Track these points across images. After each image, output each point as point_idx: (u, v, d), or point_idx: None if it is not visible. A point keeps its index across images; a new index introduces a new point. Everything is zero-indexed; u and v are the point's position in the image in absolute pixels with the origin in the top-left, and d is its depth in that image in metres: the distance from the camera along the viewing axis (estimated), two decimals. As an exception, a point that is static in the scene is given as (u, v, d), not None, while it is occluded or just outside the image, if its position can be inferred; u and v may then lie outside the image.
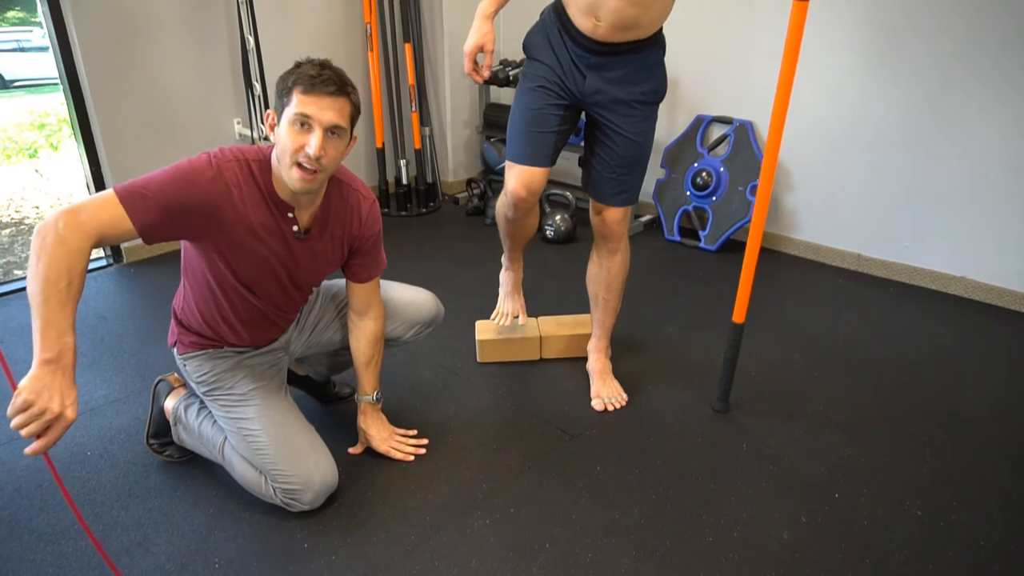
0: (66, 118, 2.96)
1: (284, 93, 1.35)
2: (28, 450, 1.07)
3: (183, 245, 1.56)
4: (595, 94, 1.79)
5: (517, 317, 2.23)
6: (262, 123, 3.14)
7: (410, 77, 3.59)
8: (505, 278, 2.30)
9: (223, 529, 1.59)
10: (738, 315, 1.90)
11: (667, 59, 3.26)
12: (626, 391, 2.10)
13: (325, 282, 1.87)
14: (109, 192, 1.28)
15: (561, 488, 1.71)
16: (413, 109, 3.65)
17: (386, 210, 3.71)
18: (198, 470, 1.78)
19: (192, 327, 1.65)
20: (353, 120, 1.43)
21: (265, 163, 1.44)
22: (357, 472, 1.77)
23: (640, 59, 1.78)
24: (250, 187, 1.42)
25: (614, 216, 1.95)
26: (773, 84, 2.96)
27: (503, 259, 2.30)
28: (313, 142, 1.33)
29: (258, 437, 1.58)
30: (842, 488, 1.70)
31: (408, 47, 3.55)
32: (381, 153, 3.67)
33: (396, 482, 1.74)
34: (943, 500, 1.66)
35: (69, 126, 2.91)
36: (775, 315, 2.57)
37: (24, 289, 2.74)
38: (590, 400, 2.06)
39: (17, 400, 1.06)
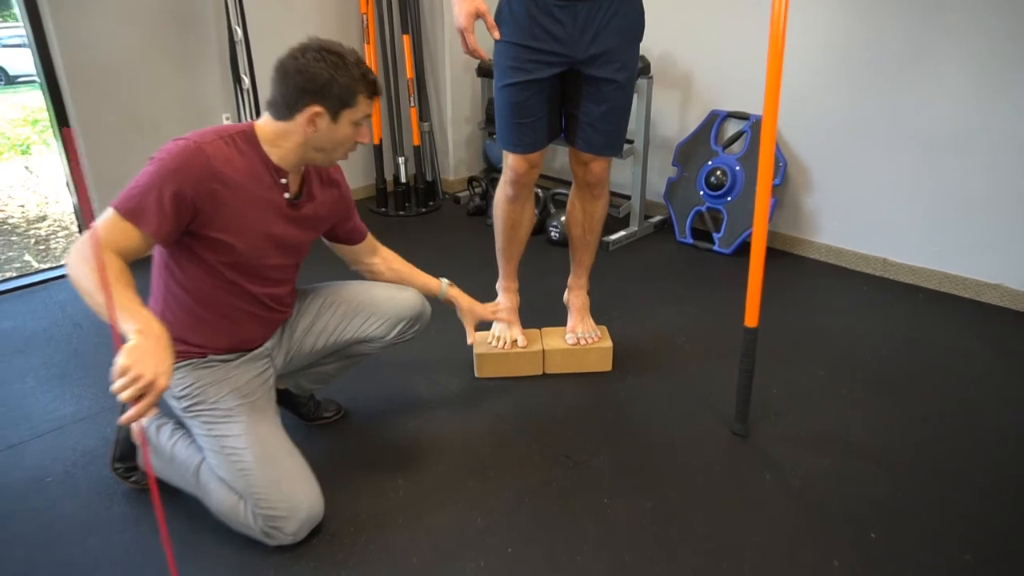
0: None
1: (348, 98, 1.41)
2: (123, 418, 1.10)
3: (160, 250, 1.47)
4: (589, 47, 1.75)
5: (516, 341, 2.08)
6: (251, 118, 2.99)
7: (408, 70, 3.42)
8: (502, 302, 2.15)
9: (189, 568, 1.43)
10: (750, 319, 1.73)
11: (679, 51, 3.12)
12: (637, 411, 1.94)
13: (299, 287, 1.73)
14: (110, 211, 1.31)
15: (565, 525, 1.55)
16: (412, 104, 3.48)
17: (383, 209, 3.55)
18: (166, 499, 1.61)
19: (174, 335, 1.49)
20: None
21: (250, 135, 1.44)
22: (340, 504, 1.60)
23: None
24: (242, 159, 1.41)
25: (601, 165, 1.94)
26: (791, 78, 2.81)
27: (498, 284, 2.17)
28: (367, 133, 1.50)
29: (243, 456, 1.45)
30: (878, 527, 1.53)
31: (406, 39, 3.38)
32: (379, 150, 3.50)
33: (382, 515, 1.57)
34: (997, 546, 1.48)
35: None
36: (796, 325, 2.39)
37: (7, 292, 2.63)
38: (595, 418, 1.89)
39: (115, 365, 1.09)
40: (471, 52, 1.75)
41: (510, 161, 1.92)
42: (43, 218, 3.84)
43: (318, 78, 1.38)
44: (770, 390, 2.01)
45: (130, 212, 1.30)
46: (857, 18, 2.54)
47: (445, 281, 1.87)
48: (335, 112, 1.41)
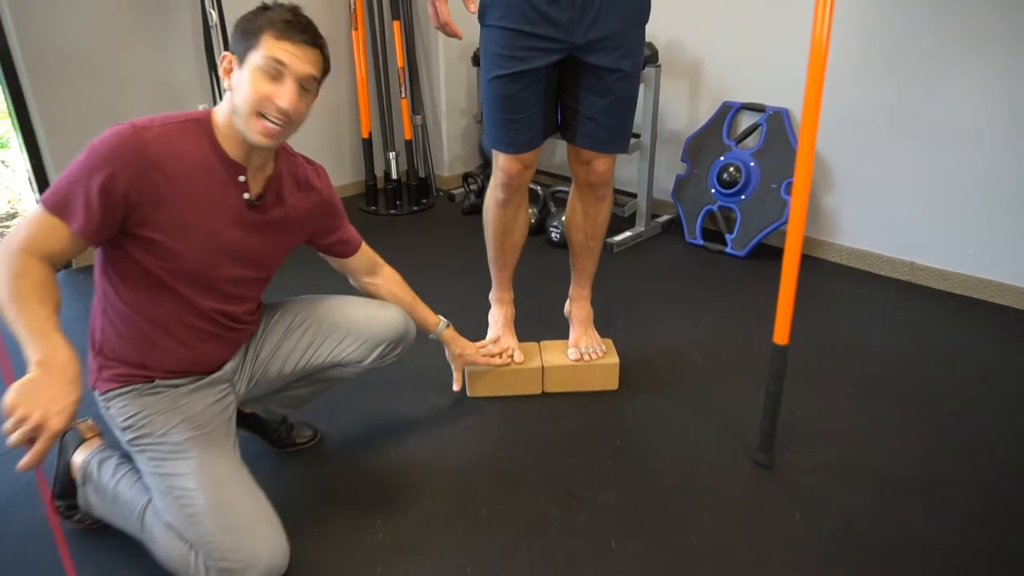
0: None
1: (250, 35, 1.20)
2: (19, 465, 0.96)
3: (99, 253, 1.27)
4: (588, 32, 1.54)
5: (513, 356, 1.88)
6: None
7: (399, 59, 3.20)
8: (495, 314, 1.95)
9: (128, 635, 1.24)
10: (780, 335, 1.53)
11: (689, 38, 2.91)
12: (647, 437, 1.74)
13: (266, 301, 1.53)
14: (37, 207, 1.15)
15: (566, 571, 1.35)
16: (403, 95, 3.26)
17: (373, 208, 3.34)
18: (112, 542, 1.41)
19: (115, 355, 1.32)
20: (323, 76, 1.28)
21: (203, 122, 1.24)
22: (308, 550, 1.40)
23: None
24: (191, 150, 1.21)
25: (605, 164, 1.73)
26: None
27: (492, 294, 1.98)
28: (284, 94, 1.19)
29: (193, 499, 1.24)
30: (928, 579, 1.33)
31: (397, 25, 3.16)
32: (368, 144, 3.29)
33: (357, 564, 1.37)
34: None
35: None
36: (819, 336, 2.18)
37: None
38: (601, 444, 1.69)
39: (3, 403, 0.97)
40: (441, 26, 1.53)
41: (500, 162, 1.71)
42: (13, 215, 3.63)
43: (238, 25, 1.22)
44: (794, 412, 1.80)
45: (56, 205, 1.13)
46: (885, 3, 2.33)
47: (444, 321, 1.73)
48: (242, 56, 1.20)
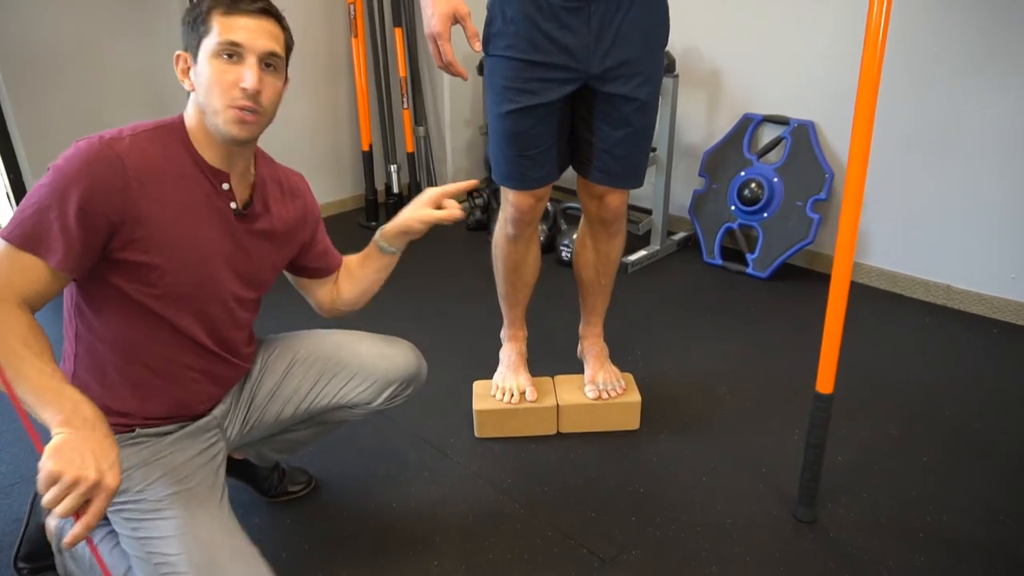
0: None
1: (198, 22, 1.07)
2: (67, 539, 0.85)
3: (69, 292, 1.14)
4: (604, 59, 1.41)
5: (524, 393, 1.72)
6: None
7: (401, 68, 3.06)
8: (507, 352, 1.80)
9: None
10: (824, 383, 1.37)
11: (707, 46, 2.76)
12: (673, 485, 1.58)
13: (262, 337, 1.38)
14: (1, 244, 1.01)
15: (591, 655, 1.19)
16: (405, 105, 3.12)
17: (373, 224, 3.19)
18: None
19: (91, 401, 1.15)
20: (288, 53, 1.15)
21: (176, 128, 1.12)
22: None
23: None
24: (168, 159, 1.09)
25: (620, 199, 1.62)
26: (840, 76, 2.45)
27: (503, 331, 1.84)
28: (248, 75, 1.06)
29: (175, 567, 1.08)
30: (1005, 664, 1.17)
31: (399, 32, 3.02)
32: (368, 157, 3.14)
33: (353, 642, 1.22)
34: None
35: None
36: (851, 367, 2.01)
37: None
38: (623, 494, 1.53)
39: (42, 472, 0.84)
40: (445, 66, 1.38)
41: (511, 198, 1.58)
42: (-3, 231, 3.49)
43: (185, 18, 1.09)
44: (835, 457, 1.64)
45: (27, 239, 0.99)
46: (922, 7, 2.18)
47: (376, 235, 1.34)
48: (195, 49, 1.08)
